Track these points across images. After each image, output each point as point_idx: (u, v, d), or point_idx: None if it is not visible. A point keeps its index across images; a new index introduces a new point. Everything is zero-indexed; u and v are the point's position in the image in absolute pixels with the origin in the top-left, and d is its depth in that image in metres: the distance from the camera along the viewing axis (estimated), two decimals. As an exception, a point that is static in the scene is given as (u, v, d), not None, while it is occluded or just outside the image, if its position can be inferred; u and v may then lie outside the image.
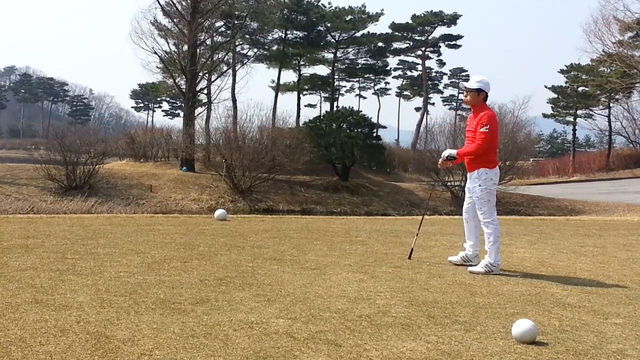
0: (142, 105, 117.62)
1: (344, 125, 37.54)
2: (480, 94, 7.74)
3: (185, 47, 38.97)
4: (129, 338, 4.45)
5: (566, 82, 63.67)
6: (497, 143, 7.90)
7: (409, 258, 8.25)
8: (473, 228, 7.95)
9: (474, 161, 7.76)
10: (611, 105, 57.58)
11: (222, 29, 48.68)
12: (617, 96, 54.47)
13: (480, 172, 7.69)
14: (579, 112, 64.30)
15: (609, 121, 57.80)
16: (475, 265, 7.77)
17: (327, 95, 69.45)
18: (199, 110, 43.77)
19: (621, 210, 25.12)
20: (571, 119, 65.08)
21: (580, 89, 61.36)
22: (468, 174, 7.93)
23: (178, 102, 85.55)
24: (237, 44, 50.91)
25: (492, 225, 7.60)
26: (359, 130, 37.41)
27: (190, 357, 4.12)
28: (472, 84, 7.82)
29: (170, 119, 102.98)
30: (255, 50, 56.72)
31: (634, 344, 4.82)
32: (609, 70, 46.58)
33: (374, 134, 40.24)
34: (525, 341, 4.71)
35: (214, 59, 43.51)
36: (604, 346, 4.74)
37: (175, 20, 40.26)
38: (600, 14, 22.04)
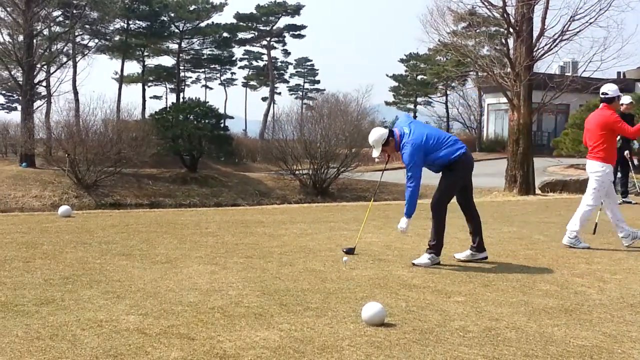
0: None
1: (191, 117, 37.16)
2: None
3: (21, 38, 37.19)
4: (-32, 345, 4.22)
5: (406, 71, 66.11)
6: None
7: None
8: None
9: None
10: (448, 92, 60.27)
11: (61, 18, 46.71)
12: (453, 84, 57.00)
13: None
14: (419, 99, 67.10)
15: (447, 108, 60.53)
16: None
17: (172, 86, 68.30)
18: (38, 103, 42.08)
19: (460, 193, 26.26)
20: (412, 106, 67.71)
21: (419, 77, 63.92)
22: None
23: (15, 95, 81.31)
24: (76, 34, 49.08)
25: None
26: (206, 121, 37.16)
27: (36, 361, 3.97)
28: None
29: (7, 112, 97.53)
30: (97, 40, 54.85)
31: (475, 320, 5.10)
32: (445, 59, 48.64)
33: (222, 125, 40.04)
34: (374, 323, 4.86)
35: (53, 49, 41.85)
36: (447, 324, 4.99)
37: (8, 9, 38.25)
38: (435, 5, 22.83)
